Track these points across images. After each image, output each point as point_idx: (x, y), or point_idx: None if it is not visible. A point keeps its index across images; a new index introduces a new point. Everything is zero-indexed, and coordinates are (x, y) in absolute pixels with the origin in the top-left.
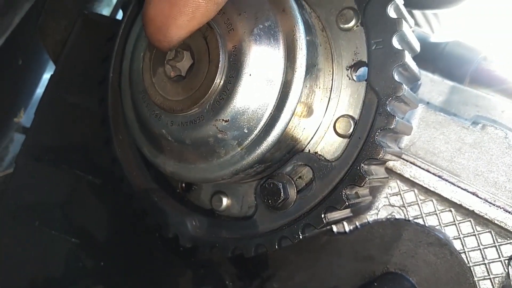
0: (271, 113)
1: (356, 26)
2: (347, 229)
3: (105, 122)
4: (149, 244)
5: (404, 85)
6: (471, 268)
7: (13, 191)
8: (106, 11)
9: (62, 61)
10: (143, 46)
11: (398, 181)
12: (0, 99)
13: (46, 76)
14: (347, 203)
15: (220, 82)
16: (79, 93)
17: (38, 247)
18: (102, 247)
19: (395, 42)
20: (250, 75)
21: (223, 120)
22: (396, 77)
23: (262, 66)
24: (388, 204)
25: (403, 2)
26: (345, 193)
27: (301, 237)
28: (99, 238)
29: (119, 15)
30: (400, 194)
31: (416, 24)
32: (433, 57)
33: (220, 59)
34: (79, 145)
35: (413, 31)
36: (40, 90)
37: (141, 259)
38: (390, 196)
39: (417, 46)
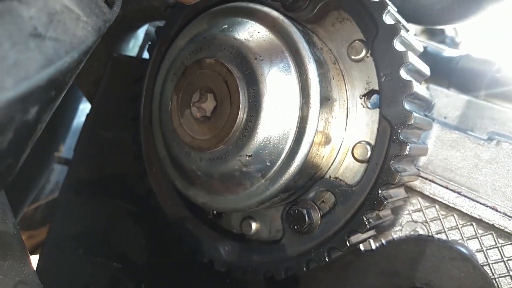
0: (290, 146)
1: (367, 57)
2: (373, 246)
3: (139, 157)
4: (186, 266)
5: (414, 113)
6: (496, 280)
7: (57, 222)
8: (132, 44)
9: (97, 100)
10: (170, 90)
11: (419, 198)
12: (43, 137)
13: (82, 107)
14: (368, 226)
15: (242, 121)
16: (114, 129)
17: (83, 274)
18: (142, 270)
19: (403, 74)
20: (268, 113)
21: (246, 155)
22: (407, 106)
23: (279, 105)
24: (411, 220)
25: (410, 32)
26: (366, 217)
27: (327, 259)
28: (139, 262)
29: (145, 53)
30: (422, 211)
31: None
32: (447, 72)
33: (241, 100)
34: (116, 176)
35: (426, 47)
36: (77, 120)
37: (179, 280)
38: (413, 212)
39: (426, 71)
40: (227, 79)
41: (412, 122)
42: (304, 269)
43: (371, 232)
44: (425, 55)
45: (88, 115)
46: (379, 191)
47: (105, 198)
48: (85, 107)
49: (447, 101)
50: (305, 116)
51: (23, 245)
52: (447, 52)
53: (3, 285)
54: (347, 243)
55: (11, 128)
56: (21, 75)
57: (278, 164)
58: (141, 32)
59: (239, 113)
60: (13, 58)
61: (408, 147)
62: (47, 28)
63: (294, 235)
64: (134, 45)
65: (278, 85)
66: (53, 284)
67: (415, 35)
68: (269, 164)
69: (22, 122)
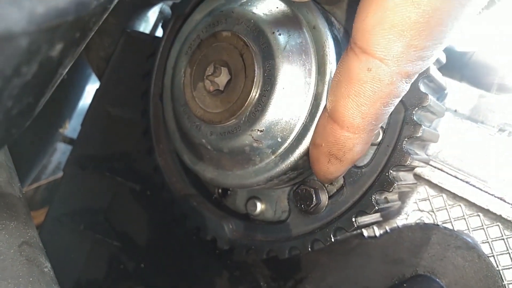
0: (303, 123)
1: None
2: (377, 233)
3: (147, 132)
4: (187, 246)
5: (430, 96)
6: (500, 271)
7: (60, 197)
8: (143, 27)
9: (107, 76)
10: (184, 62)
11: (426, 187)
12: (47, 112)
13: (89, 88)
14: (376, 207)
15: (255, 95)
16: (122, 106)
17: (83, 250)
18: (142, 250)
19: None
20: (283, 88)
21: (258, 130)
22: (422, 88)
23: (294, 80)
24: (417, 209)
25: None
26: (375, 198)
27: (333, 240)
28: (139, 241)
29: (158, 32)
30: (429, 200)
31: None
32: (460, 66)
33: (255, 74)
34: (121, 154)
35: None
36: (83, 102)
37: (179, 261)
38: (419, 201)
39: (443, 58)
40: (243, 53)
41: (427, 104)
42: (309, 249)
43: (378, 217)
44: None
45: (97, 91)
46: (390, 171)
47: (109, 175)
48: (91, 89)
49: (459, 94)
50: (320, 93)
51: (27, 210)
52: (460, 46)
53: (9, 244)
54: (354, 224)
55: (37, 60)
56: (51, 4)
57: (289, 140)
58: (151, 15)
59: (253, 87)
60: None
61: (421, 128)
62: None
63: (300, 215)
64: (145, 29)
65: (294, 61)
66: (52, 257)
67: None
68: (280, 140)
69: (47, 57)
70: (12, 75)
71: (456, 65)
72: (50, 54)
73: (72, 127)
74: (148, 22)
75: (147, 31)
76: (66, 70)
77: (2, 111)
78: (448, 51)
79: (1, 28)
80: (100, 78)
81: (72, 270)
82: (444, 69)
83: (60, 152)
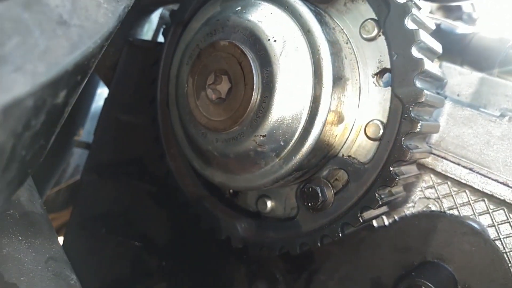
0: (303, 126)
1: (379, 36)
2: (386, 223)
3: (158, 139)
4: (205, 243)
5: (425, 91)
6: (507, 254)
7: (80, 204)
8: (147, 28)
9: (114, 85)
10: (186, 73)
11: (431, 175)
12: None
13: (99, 91)
14: (380, 202)
15: (256, 102)
16: (132, 113)
17: (106, 252)
18: (163, 248)
19: (415, 52)
20: (282, 93)
21: (261, 135)
22: (418, 84)
23: (292, 85)
24: (423, 197)
25: (422, 10)
26: (378, 194)
27: (340, 235)
28: (159, 240)
29: (160, 37)
30: (434, 187)
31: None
32: (460, 49)
33: (254, 82)
34: (135, 158)
35: (439, 24)
36: (95, 105)
37: (199, 257)
38: (425, 189)
39: (438, 49)
40: (241, 61)
41: (423, 99)
42: (319, 244)
43: (384, 209)
44: (438, 33)
45: (106, 99)
46: (391, 168)
47: (126, 179)
48: (102, 92)
49: (460, 79)
50: (318, 95)
51: (50, 225)
52: (461, 29)
53: (36, 261)
54: (360, 219)
55: (43, 111)
56: (51, 60)
57: (291, 143)
58: (155, 17)
59: (253, 94)
60: (43, 45)
61: (419, 124)
62: (71, 15)
63: (308, 212)
64: (148, 29)
65: (291, 66)
66: (77, 262)
67: (430, 12)
68: (283, 143)
69: (52, 105)
70: (23, 131)
71: (456, 49)
72: (55, 102)
73: (86, 131)
74: (152, 23)
75: (151, 32)
76: (72, 105)
77: (17, 160)
78: (448, 34)
79: (10, 97)
80: (108, 85)
81: (97, 272)
82: (444, 53)
83: (77, 156)
